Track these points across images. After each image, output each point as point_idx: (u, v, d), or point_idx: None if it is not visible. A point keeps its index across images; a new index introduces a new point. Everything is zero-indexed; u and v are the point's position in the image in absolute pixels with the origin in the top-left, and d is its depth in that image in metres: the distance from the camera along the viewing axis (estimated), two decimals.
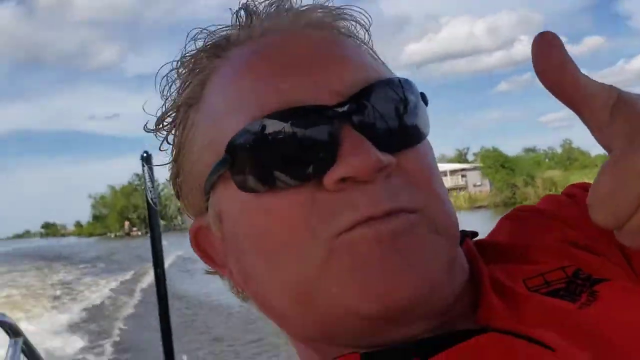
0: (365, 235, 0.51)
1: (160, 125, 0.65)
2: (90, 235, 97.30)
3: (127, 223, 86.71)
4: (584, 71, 0.44)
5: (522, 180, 48.99)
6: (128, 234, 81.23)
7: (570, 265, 0.61)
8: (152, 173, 2.76)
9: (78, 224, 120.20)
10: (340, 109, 0.53)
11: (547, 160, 69.49)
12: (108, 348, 10.93)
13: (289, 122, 0.53)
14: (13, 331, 2.19)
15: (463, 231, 0.64)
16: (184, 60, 0.63)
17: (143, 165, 2.74)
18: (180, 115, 0.63)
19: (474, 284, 0.59)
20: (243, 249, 0.58)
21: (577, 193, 0.70)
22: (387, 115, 0.55)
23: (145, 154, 2.74)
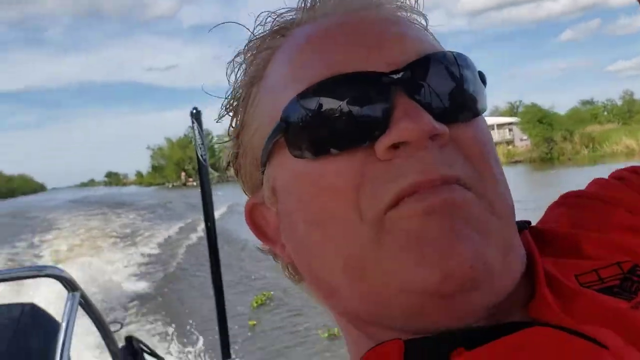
0: (414, 210, 0.48)
1: (228, 106, 0.65)
2: (150, 184, 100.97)
3: (183, 174, 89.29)
4: None
5: (560, 136, 47.76)
6: (184, 184, 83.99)
7: (627, 261, 0.57)
8: (202, 129, 2.72)
9: (139, 174, 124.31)
10: (395, 76, 0.51)
11: (605, 113, 66.17)
12: (168, 277, 11.94)
13: (342, 88, 0.51)
14: (71, 285, 2.22)
15: (518, 222, 0.60)
16: (252, 41, 0.63)
17: (193, 122, 2.69)
18: (243, 94, 0.62)
19: (529, 276, 0.55)
20: (295, 220, 0.56)
21: (627, 176, 0.68)
22: (442, 86, 0.53)
23: (194, 111, 2.70)
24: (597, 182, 0.70)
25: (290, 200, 0.56)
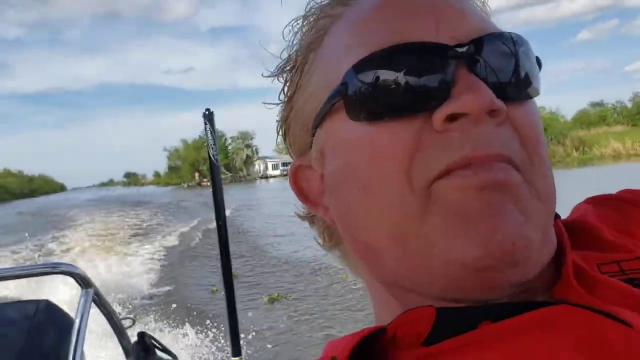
0: (465, 183, 0.48)
1: (279, 71, 0.64)
2: (167, 184, 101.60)
3: (197, 174, 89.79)
4: None
5: (555, 140, 48.33)
6: (199, 184, 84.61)
7: None
8: (214, 131, 2.69)
9: (157, 174, 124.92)
10: (459, 50, 0.51)
11: (615, 115, 65.44)
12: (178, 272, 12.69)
13: (407, 56, 0.51)
14: (84, 282, 2.18)
15: None
16: (311, 9, 0.62)
17: (205, 124, 2.67)
18: (299, 60, 0.62)
19: (556, 261, 0.55)
20: (343, 183, 0.55)
21: None
22: (502, 65, 0.52)
23: (207, 112, 2.68)
24: (626, 191, 0.70)
25: (339, 163, 0.56)
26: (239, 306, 2.67)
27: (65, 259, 13.94)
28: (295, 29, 0.63)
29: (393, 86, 0.51)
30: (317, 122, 0.57)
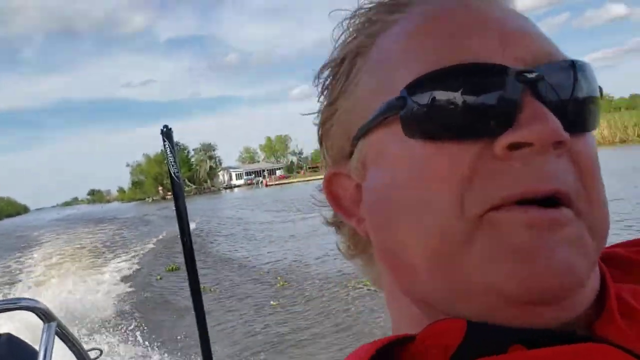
0: (517, 218, 0.45)
1: (322, 73, 0.60)
2: (131, 200, 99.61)
3: (160, 188, 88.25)
4: None
5: None
6: (163, 198, 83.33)
7: None
8: (173, 147, 2.58)
9: (121, 190, 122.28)
10: (527, 75, 0.47)
11: None
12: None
13: (470, 76, 0.47)
14: (46, 316, 2.06)
15: None
16: (359, 12, 0.58)
17: (164, 140, 2.55)
18: (345, 64, 0.57)
19: (599, 296, 0.51)
20: (387, 196, 0.52)
21: None
22: (568, 93, 0.48)
23: (165, 129, 2.57)
24: None
25: (386, 177, 0.51)
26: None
27: (34, 277, 13.87)
28: (341, 31, 0.59)
29: (453, 108, 0.47)
30: (362, 132, 0.53)
